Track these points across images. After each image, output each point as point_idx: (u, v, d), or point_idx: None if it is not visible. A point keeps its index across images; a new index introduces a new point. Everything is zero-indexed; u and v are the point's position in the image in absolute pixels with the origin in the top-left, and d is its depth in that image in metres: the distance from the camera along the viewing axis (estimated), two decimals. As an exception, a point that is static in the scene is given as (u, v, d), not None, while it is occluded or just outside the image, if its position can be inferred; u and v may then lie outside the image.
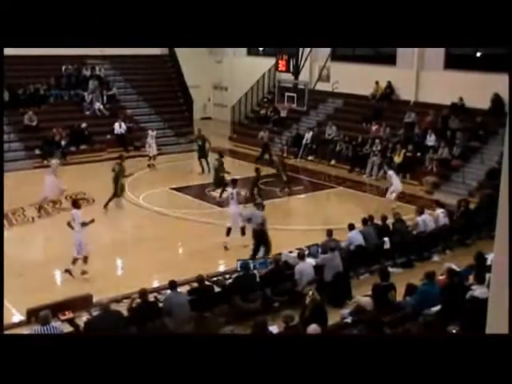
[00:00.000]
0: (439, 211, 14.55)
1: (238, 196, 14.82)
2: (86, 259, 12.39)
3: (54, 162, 18.13)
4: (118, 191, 17.06)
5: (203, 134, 21.95)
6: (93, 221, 12.46)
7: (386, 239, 13.00)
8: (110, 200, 16.95)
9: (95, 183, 19.89)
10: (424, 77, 23.35)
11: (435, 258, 13.71)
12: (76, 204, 12.78)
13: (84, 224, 12.30)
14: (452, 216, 14.72)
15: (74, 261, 12.29)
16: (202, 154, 21.38)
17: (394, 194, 17.48)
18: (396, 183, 17.65)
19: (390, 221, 13.83)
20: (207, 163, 21.04)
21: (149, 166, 22.44)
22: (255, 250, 12.99)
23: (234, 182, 14.93)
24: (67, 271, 12.24)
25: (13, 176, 18.49)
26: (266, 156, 23.25)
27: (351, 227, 12.97)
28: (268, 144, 23.76)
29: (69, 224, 12.39)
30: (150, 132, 23.30)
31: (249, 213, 13.94)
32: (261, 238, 13.18)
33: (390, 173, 18.14)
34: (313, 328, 7.74)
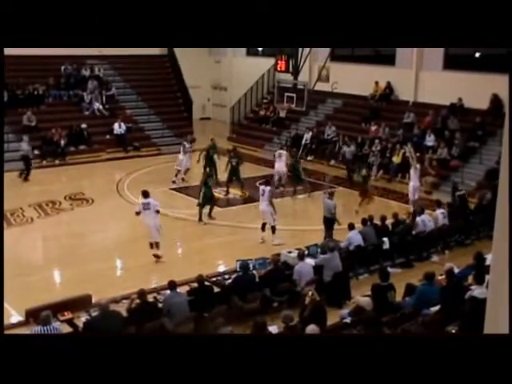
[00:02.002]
0: (439, 212, 14.56)
1: (270, 194, 14.84)
2: (157, 244, 13.35)
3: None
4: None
5: (215, 144, 20.68)
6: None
7: (385, 239, 13.01)
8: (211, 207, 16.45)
9: (94, 183, 19.92)
10: (423, 77, 23.38)
11: (434, 258, 13.73)
12: (146, 193, 13.52)
13: (158, 211, 13.38)
14: (451, 215, 14.72)
15: (157, 244, 13.31)
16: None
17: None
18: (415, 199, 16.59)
19: (389, 221, 13.86)
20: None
21: (173, 182, 20.02)
22: (327, 236, 13.70)
23: (267, 181, 15.45)
24: (156, 256, 13.22)
25: (11, 176, 18.51)
26: None
27: (351, 227, 12.98)
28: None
29: (138, 213, 13.40)
30: (185, 143, 20.54)
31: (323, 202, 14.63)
32: (331, 225, 14.03)
33: (413, 185, 16.84)
34: (311, 328, 7.73)
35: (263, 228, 14.65)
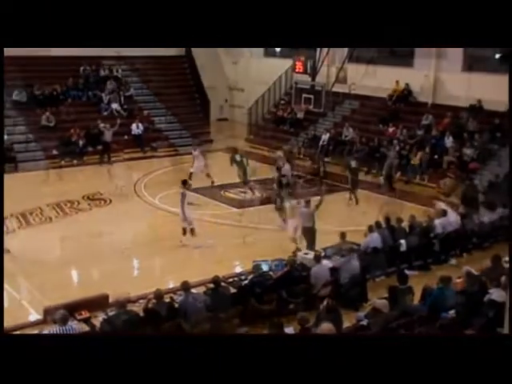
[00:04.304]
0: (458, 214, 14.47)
1: (182, 196, 14.50)
2: None
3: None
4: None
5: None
6: None
7: (402, 241, 12.91)
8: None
9: (112, 184, 20.01)
10: (442, 79, 23.21)
11: (452, 261, 13.60)
12: None
13: None
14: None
15: None
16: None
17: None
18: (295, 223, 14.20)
19: (405, 223, 13.76)
20: None
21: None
22: (310, 246, 13.18)
23: (184, 183, 14.97)
24: None
25: (30, 176, 18.69)
26: None
27: (371, 229, 12.89)
28: None
29: None
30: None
31: (299, 212, 13.92)
32: (311, 234, 13.41)
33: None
34: (326, 326, 7.64)
35: (190, 231, 14.57)
